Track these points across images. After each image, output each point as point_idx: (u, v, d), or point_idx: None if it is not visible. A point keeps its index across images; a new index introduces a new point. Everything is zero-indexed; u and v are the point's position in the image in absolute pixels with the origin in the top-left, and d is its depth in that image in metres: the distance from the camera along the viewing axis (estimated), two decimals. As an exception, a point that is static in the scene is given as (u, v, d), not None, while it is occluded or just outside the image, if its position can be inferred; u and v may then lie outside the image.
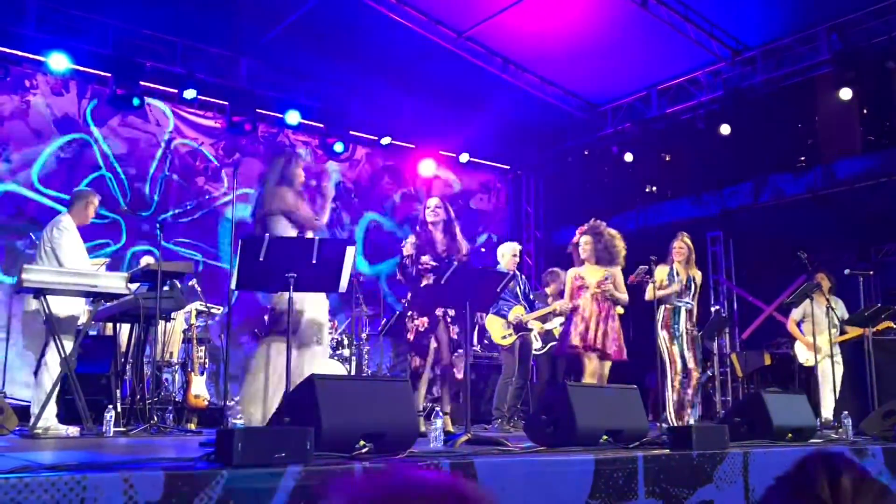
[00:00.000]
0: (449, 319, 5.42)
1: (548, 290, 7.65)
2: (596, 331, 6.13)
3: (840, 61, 8.84)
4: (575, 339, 6.13)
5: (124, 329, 6.18)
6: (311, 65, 10.10)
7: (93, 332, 6.40)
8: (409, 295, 5.51)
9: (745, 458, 3.80)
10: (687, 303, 6.49)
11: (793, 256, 7.13)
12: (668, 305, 6.44)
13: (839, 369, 7.39)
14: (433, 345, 5.45)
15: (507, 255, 7.27)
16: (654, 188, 12.47)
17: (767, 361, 9.52)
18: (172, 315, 6.58)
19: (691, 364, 6.44)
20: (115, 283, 5.04)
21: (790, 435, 4.63)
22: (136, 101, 8.96)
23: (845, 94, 9.01)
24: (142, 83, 8.96)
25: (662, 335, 6.43)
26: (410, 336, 5.38)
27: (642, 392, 6.31)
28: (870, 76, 9.05)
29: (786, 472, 1.39)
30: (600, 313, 6.18)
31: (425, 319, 5.33)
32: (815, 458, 1.37)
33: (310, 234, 4.78)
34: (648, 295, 6.37)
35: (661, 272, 6.47)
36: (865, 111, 10.97)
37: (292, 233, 4.74)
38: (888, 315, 6.72)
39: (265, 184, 4.97)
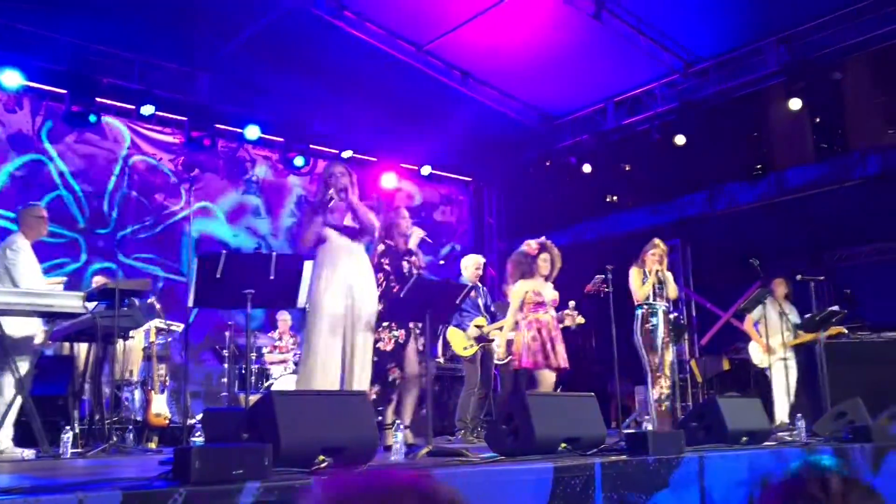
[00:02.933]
0: (417, 331, 5.45)
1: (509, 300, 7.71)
2: (559, 349, 6.25)
3: (789, 72, 9.07)
4: (538, 357, 6.21)
5: (82, 349, 6.10)
6: (270, 79, 10.08)
7: (49, 353, 6.31)
8: (382, 306, 5.49)
9: (700, 462, 3.88)
10: (664, 304, 6.62)
11: (747, 263, 7.30)
12: (645, 308, 6.57)
13: (793, 373, 7.55)
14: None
15: (470, 267, 7.32)
16: (615, 198, 12.66)
17: (726, 367, 9.69)
18: (131, 333, 6.51)
19: (667, 365, 6.56)
20: (72, 302, 4.99)
21: (745, 438, 4.73)
22: (92, 118, 8.87)
23: (795, 104, 9.24)
24: (98, 99, 8.88)
25: (640, 340, 6.54)
26: (389, 347, 5.37)
27: (605, 398, 6.41)
28: (819, 86, 9.29)
29: (780, 479, 1.45)
30: (556, 329, 6.32)
31: (403, 331, 5.36)
32: (808, 466, 1.45)
33: (337, 240, 4.76)
34: (638, 296, 6.54)
35: (636, 274, 6.63)
36: (817, 120, 11.26)
37: (324, 243, 4.77)
38: (838, 320, 6.90)
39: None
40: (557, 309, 6.53)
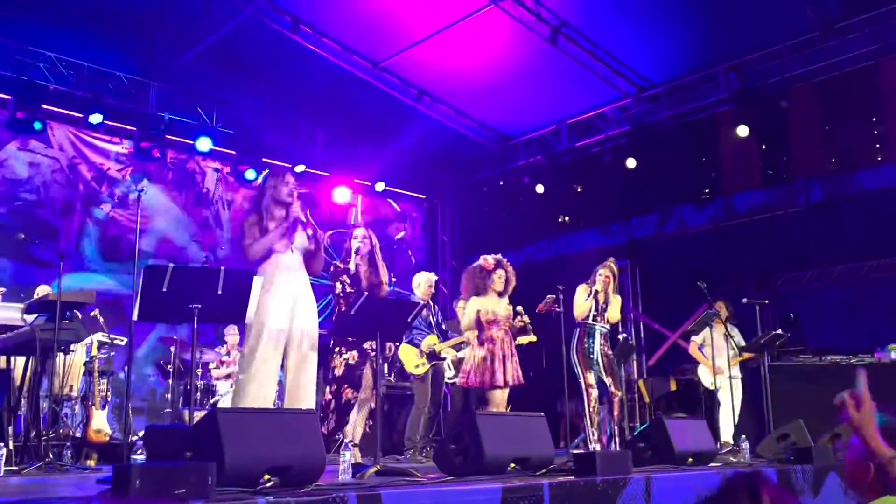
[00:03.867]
0: (373, 353, 5.41)
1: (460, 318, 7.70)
2: (510, 366, 6.21)
3: (738, 99, 9.30)
4: (485, 376, 6.17)
5: (19, 362, 5.89)
6: (223, 91, 9.98)
7: (-15, 366, 6.08)
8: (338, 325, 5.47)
9: (647, 482, 3.89)
10: (602, 326, 6.66)
11: (695, 285, 7.42)
12: (583, 328, 6.61)
13: (738, 394, 7.68)
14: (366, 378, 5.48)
15: (423, 284, 7.30)
16: (567, 219, 12.80)
17: (673, 387, 9.82)
18: (72, 347, 6.31)
19: (612, 387, 6.58)
20: (10, 314, 4.84)
21: (691, 459, 4.77)
22: (37, 125, 8.65)
23: (743, 130, 9.46)
24: (44, 106, 8.66)
25: (576, 359, 6.56)
26: (339, 371, 5.34)
27: (554, 418, 6.42)
28: (766, 114, 9.55)
29: (712, 492, 1.49)
30: (510, 347, 6.29)
31: (355, 353, 5.32)
32: (739, 477, 1.48)
33: (286, 253, 4.70)
34: (576, 313, 6.56)
35: (582, 291, 6.66)
36: (764, 147, 11.56)
37: (269, 258, 4.65)
38: (782, 343, 7.05)
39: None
40: None
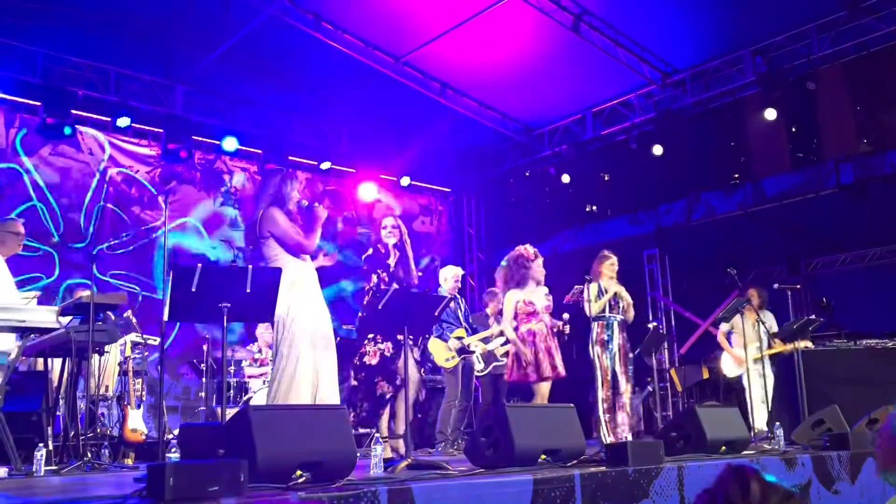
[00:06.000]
0: (410, 342, 5.41)
1: (488, 311, 7.71)
2: (553, 358, 6.11)
3: (765, 83, 9.16)
4: (527, 370, 6.06)
5: (56, 364, 5.99)
6: (247, 90, 10.06)
7: (22, 368, 6.20)
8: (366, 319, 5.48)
9: (679, 472, 3.88)
10: (618, 316, 6.61)
11: (726, 272, 7.35)
12: (601, 321, 6.56)
13: (771, 381, 7.60)
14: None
15: (450, 278, 7.31)
16: (594, 207, 12.73)
17: (705, 375, 9.74)
18: (106, 348, 6.41)
19: (622, 379, 6.51)
20: (45, 316, 4.90)
21: (724, 448, 4.74)
22: (67, 130, 8.77)
23: (770, 114, 9.33)
24: (73, 111, 8.78)
25: (596, 350, 6.52)
26: (374, 360, 5.34)
27: (584, 409, 6.38)
28: (793, 97, 9.41)
29: (706, 487, 1.48)
30: (550, 338, 6.18)
31: (390, 344, 5.33)
32: (728, 471, 1.47)
33: (306, 259, 4.77)
34: (593, 309, 6.47)
35: (593, 289, 6.58)
36: (793, 130, 11.39)
37: (284, 257, 4.67)
38: (815, 328, 6.95)
39: (259, 206, 4.89)
40: (553, 315, 6.38)
